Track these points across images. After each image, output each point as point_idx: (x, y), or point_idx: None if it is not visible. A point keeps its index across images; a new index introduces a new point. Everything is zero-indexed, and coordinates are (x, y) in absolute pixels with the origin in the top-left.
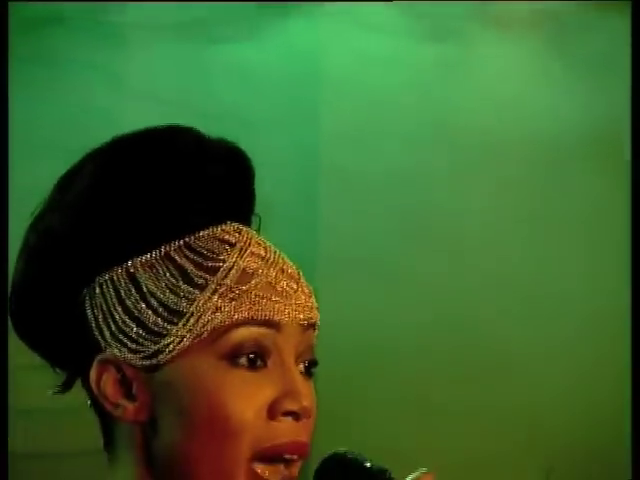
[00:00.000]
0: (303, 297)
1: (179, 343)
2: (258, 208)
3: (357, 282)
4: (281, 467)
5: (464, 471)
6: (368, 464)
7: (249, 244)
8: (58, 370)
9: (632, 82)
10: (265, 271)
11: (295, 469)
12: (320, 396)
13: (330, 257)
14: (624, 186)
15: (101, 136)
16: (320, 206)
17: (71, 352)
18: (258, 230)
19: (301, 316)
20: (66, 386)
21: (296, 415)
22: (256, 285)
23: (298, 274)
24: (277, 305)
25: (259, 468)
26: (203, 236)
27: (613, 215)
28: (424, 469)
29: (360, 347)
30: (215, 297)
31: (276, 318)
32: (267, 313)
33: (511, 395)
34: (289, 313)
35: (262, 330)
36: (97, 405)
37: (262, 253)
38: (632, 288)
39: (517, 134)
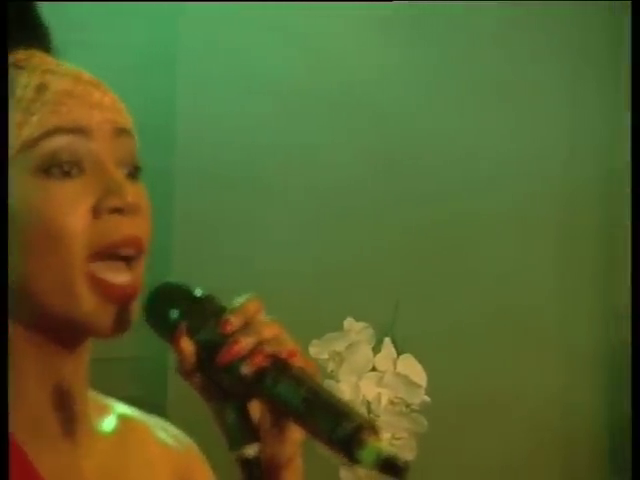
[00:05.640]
0: (107, 100)
1: None
2: None
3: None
4: (122, 266)
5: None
6: (198, 292)
7: (40, 63)
8: None
9: (632, 82)
10: (60, 82)
11: (138, 268)
12: None
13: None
14: None
15: None
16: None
17: None
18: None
19: (108, 118)
20: None
21: (121, 211)
22: (54, 95)
23: (98, 82)
24: (82, 110)
25: (98, 269)
26: (9, 63)
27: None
28: (251, 294)
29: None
30: (18, 114)
31: (84, 123)
32: (73, 118)
33: None
34: (95, 116)
35: (72, 138)
36: None
37: (54, 68)
38: (632, 288)
39: None
